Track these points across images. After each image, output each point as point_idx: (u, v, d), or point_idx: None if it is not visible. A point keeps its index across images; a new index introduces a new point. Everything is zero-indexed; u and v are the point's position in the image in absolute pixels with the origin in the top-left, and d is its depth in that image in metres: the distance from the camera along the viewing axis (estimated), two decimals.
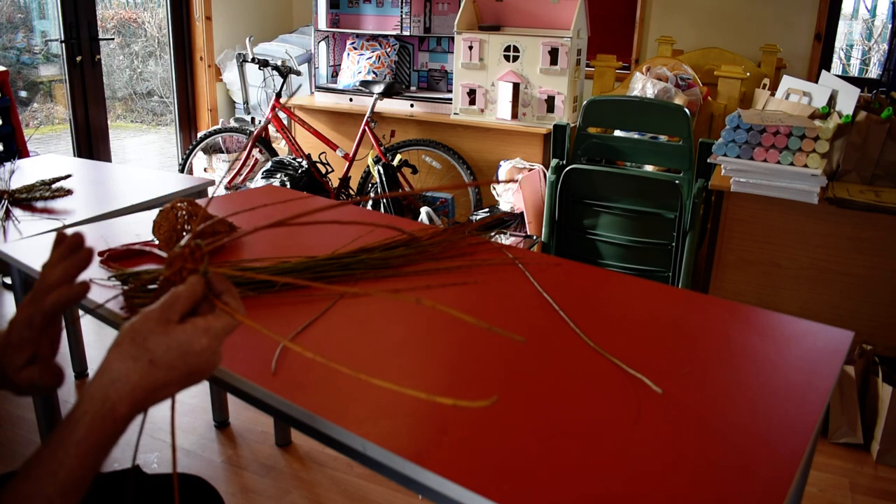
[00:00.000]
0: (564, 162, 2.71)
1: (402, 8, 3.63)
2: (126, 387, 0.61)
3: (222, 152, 4.25)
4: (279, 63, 3.63)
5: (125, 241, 1.30)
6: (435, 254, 1.28)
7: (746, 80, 3.05)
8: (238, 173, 3.60)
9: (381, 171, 3.15)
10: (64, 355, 2.41)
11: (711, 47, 3.65)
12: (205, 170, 4.22)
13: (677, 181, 2.50)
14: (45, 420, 1.47)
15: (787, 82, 2.57)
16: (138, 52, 4.65)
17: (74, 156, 3.78)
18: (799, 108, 2.34)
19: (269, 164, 3.34)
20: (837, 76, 2.58)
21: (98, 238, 1.33)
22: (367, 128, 3.42)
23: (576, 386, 0.88)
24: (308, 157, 3.44)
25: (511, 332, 1.03)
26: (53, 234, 0.77)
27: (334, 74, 4.03)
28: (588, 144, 2.67)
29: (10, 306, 2.89)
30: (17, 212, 1.78)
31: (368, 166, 3.30)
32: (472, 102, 3.42)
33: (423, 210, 3.07)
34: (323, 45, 3.97)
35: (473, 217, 3.10)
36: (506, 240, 2.77)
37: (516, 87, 3.28)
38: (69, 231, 0.77)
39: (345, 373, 0.62)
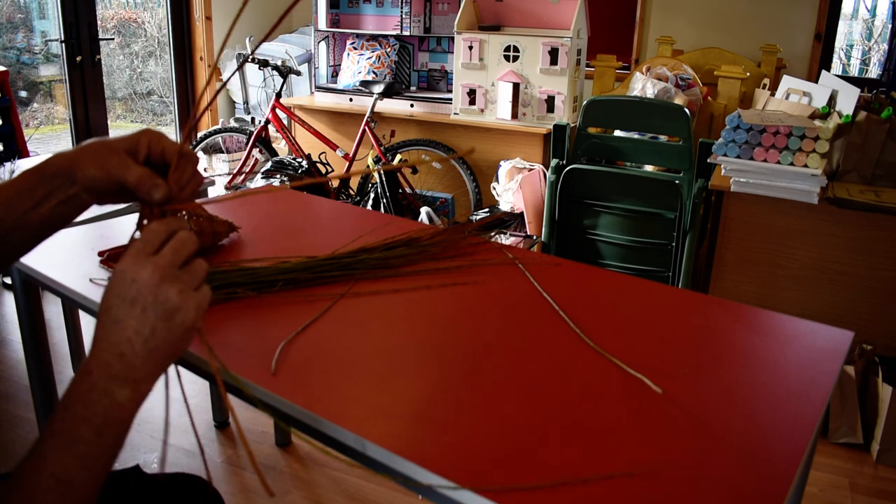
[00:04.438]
0: (564, 162, 2.71)
1: (402, 8, 3.63)
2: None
3: (222, 152, 4.26)
4: (279, 63, 3.63)
5: (125, 241, 1.30)
6: (435, 254, 1.28)
7: (746, 80, 3.04)
8: (238, 173, 3.60)
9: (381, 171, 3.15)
10: (63, 355, 2.41)
11: (711, 47, 3.64)
12: (205, 170, 4.23)
13: (677, 181, 2.50)
14: (45, 420, 1.47)
15: (787, 82, 2.57)
16: (138, 52, 4.66)
17: None
18: (799, 108, 2.34)
19: (269, 164, 3.34)
20: (837, 76, 2.58)
21: (98, 238, 1.33)
22: (367, 128, 3.42)
23: (576, 386, 0.88)
24: (308, 157, 3.44)
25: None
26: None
27: (334, 74, 4.03)
28: (588, 144, 2.67)
29: (10, 306, 2.89)
30: None
31: (368, 166, 3.31)
32: (472, 102, 3.42)
33: (423, 210, 3.07)
34: (323, 45, 3.97)
35: (473, 217, 3.10)
36: (506, 240, 2.77)
37: (516, 87, 3.28)
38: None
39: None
